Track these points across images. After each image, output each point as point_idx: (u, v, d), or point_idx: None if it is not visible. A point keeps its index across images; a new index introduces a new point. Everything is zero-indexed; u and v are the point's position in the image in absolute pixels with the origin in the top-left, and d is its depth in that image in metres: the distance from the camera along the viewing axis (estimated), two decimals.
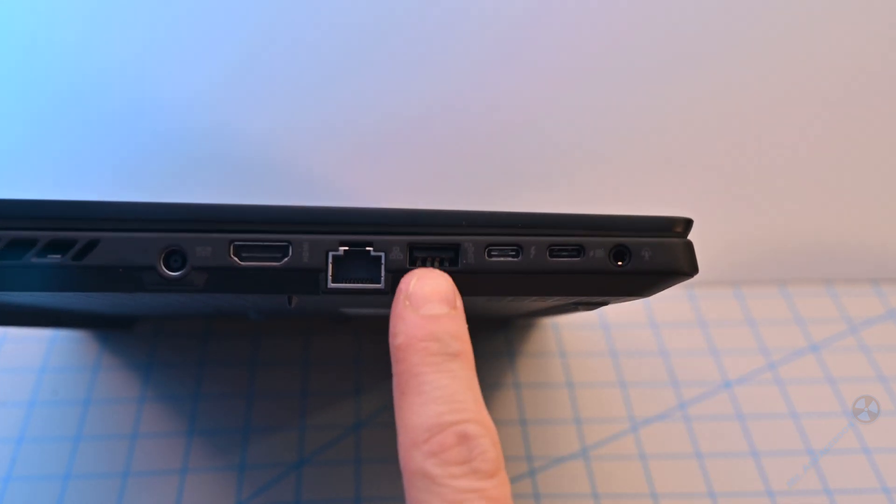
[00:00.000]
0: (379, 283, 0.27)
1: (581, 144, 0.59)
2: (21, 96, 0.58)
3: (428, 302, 0.27)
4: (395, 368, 0.27)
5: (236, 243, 0.27)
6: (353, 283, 0.27)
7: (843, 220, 0.58)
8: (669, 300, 0.54)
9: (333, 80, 0.58)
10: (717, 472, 0.46)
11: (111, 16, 0.58)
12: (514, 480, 0.45)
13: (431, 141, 0.59)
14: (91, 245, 0.26)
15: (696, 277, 0.53)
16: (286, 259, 0.27)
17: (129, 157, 0.58)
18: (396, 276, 0.27)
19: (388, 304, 0.28)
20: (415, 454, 0.25)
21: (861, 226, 0.58)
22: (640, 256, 0.27)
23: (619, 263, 0.27)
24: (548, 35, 0.59)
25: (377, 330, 0.52)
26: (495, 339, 0.53)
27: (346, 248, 0.27)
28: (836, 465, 0.46)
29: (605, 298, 0.29)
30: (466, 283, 0.27)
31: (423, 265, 0.27)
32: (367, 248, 0.27)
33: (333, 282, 0.27)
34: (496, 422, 0.47)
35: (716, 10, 0.59)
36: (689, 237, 0.29)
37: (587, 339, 0.52)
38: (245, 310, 0.40)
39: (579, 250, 0.27)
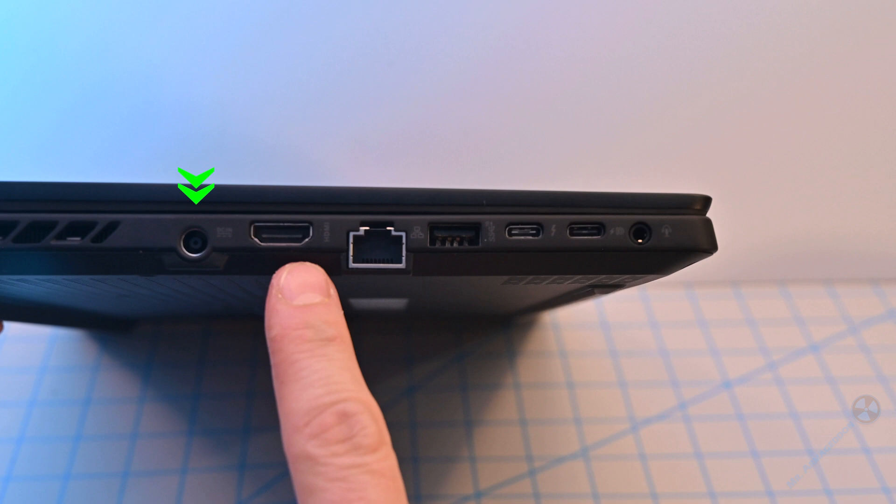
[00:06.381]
0: (400, 262, 0.27)
1: (583, 143, 0.60)
2: (41, 87, 0.59)
3: (300, 293, 0.27)
4: (273, 360, 0.27)
5: (257, 224, 0.27)
6: (375, 262, 0.27)
7: (843, 220, 0.58)
8: (669, 300, 0.55)
9: (351, 66, 0.59)
10: (717, 472, 0.46)
11: (132, 17, 0.59)
12: (514, 480, 0.45)
13: (451, 121, 0.59)
14: (111, 227, 0.26)
15: (696, 277, 0.55)
16: (307, 240, 0.27)
17: (148, 143, 0.58)
18: (418, 255, 0.27)
19: (408, 286, 0.28)
20: (296, 439, 0.25)
21: (861, 226, 0.58)
22: (660, 234, 0.27)
23: (640, 241, 0.27)
24: (566, 19, 0.60)
25: (378, 330, 0.52)
26: (495, 338, 0.53)
27: (367, 227, 0.27)
28: (836, 465, 0.47)
29: (624, 278, 0.29)
30: (487, 262, 0.27)
31: (444, 245, 0.27)
32: (388, 228, 0.27)
33: (354, 262, 0.27)
34: (497, 422, 0.48)
35: (718, 12, 0.60)
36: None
37: (587, 339, 0.52)
38: (255, 303, 0.40)
39: (599, 228, 0.27)
